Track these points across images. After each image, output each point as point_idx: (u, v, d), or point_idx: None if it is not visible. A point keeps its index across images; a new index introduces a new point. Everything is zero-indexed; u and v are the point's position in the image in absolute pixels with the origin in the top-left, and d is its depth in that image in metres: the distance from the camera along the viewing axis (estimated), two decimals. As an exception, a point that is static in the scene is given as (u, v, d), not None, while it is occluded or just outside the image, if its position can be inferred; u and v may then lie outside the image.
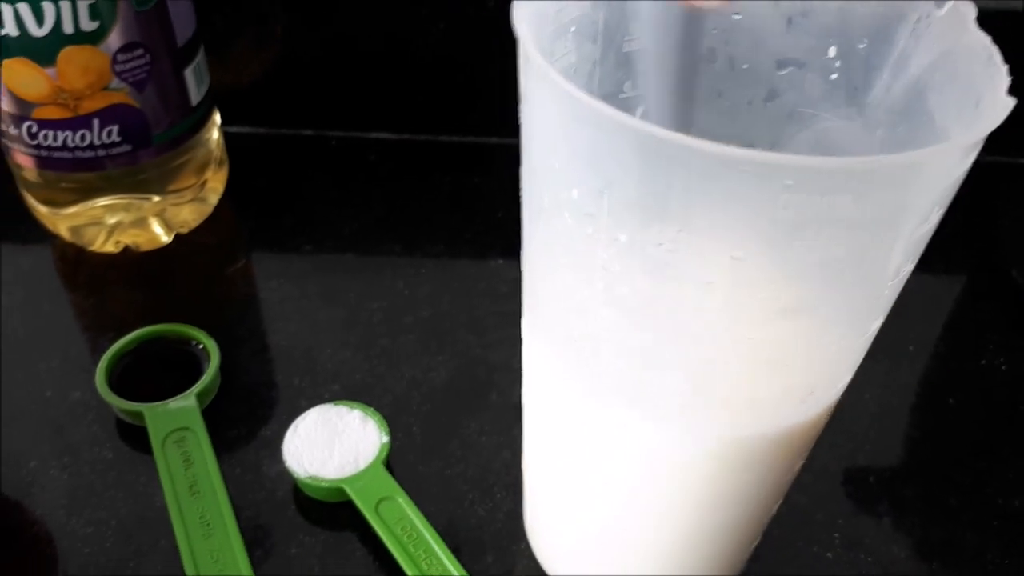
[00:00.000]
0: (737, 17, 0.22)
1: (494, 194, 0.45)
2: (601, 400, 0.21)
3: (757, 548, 0.29)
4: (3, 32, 0.31)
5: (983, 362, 0.38)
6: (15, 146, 0.35)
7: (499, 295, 0.39)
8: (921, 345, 0.38)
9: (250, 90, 0.46)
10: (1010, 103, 0.16)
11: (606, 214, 0.18)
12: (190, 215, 0.39)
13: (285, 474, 0.30)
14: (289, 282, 0.39)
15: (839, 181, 0.15)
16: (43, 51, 0.31)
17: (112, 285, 0.38)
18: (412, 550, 0.27)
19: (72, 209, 0.37)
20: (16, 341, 0.35)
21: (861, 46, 0.21)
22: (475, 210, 0.43)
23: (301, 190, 0.44)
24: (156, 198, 0.38)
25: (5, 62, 0.31)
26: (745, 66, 0.23)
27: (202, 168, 0.39)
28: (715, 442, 0.21)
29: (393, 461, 0.31)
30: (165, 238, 0.39)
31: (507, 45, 0.47)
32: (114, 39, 0.32)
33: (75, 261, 0.39)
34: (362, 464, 0.30)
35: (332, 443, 0.30)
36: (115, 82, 0.33)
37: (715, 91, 0.23)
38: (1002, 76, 0.17)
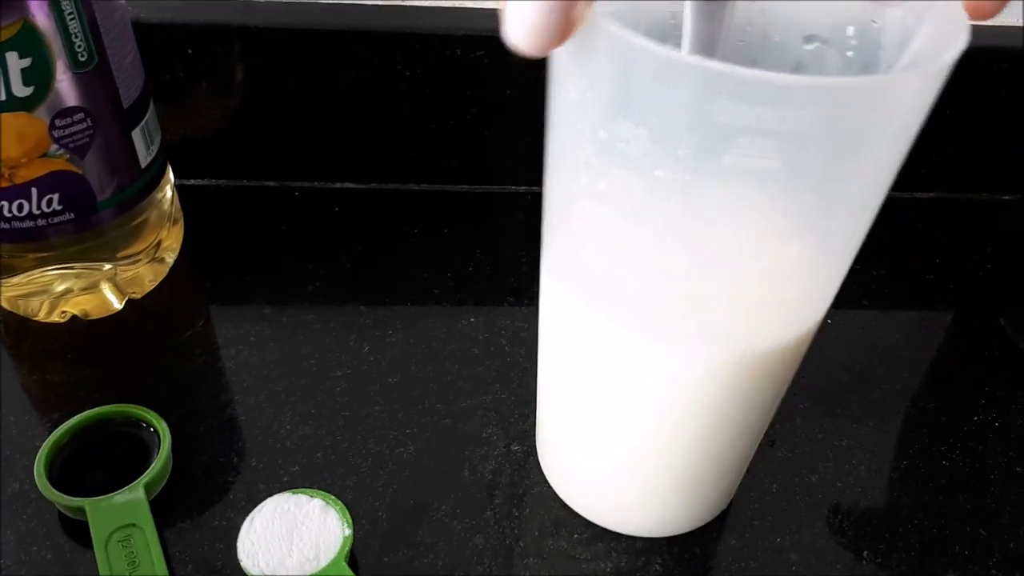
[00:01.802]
0: None
1: (464, 245, 0.43)
2: (611, 323, 0.24)
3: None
4: (-71, 100, 0.28)
5: (976, 418, 0.36)
6: (-50, 215, 0.32)
7: (470, 358, 0.37)
8: (910, 401, 0.37)
9: (207, 141, 0.44)
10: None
11: (590, 111, 0.20)
12: (145, 277, 0.37)
13: (240, 572, 0.28)
14: (248, 349, 0.36)
15: (766, 93, 0.17)
16: (-28, 118, 0.29)
17: (57, 359, 0.35)
18: (377, 658, 0.25)
19: (16, 279, 0.35)
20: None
21: (875, 25, 0.23)
22: (444, 263, 0.42)
23: (262, 245, 0.42)
24: (107, 265, 0.35)
25: (-67, 131, 0.29)
26: (777, 39, 0.25)
27: (156, 229, 0.37)
28: (715, 357, 0.24)
29: (357, 550, 0.29)
30: (117, 304, 0.37)
31: (476, 93, 0.46)
32: (51, 104, 0.30)
33: (18, 331, 0.36)
34: (323, 561, 0.27)
35: (291, 537, 0.28)
36: (54, 148, 0.31)
37: (750, 59, 0.25)
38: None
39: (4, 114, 0.29)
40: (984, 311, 0.42)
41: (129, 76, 0.33)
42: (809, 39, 0.24)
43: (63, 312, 0.36)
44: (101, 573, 0.27)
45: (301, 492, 0.29)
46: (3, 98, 0.29)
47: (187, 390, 0.35)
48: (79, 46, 0.30)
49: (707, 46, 0.21)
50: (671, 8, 0.24)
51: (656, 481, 0.29)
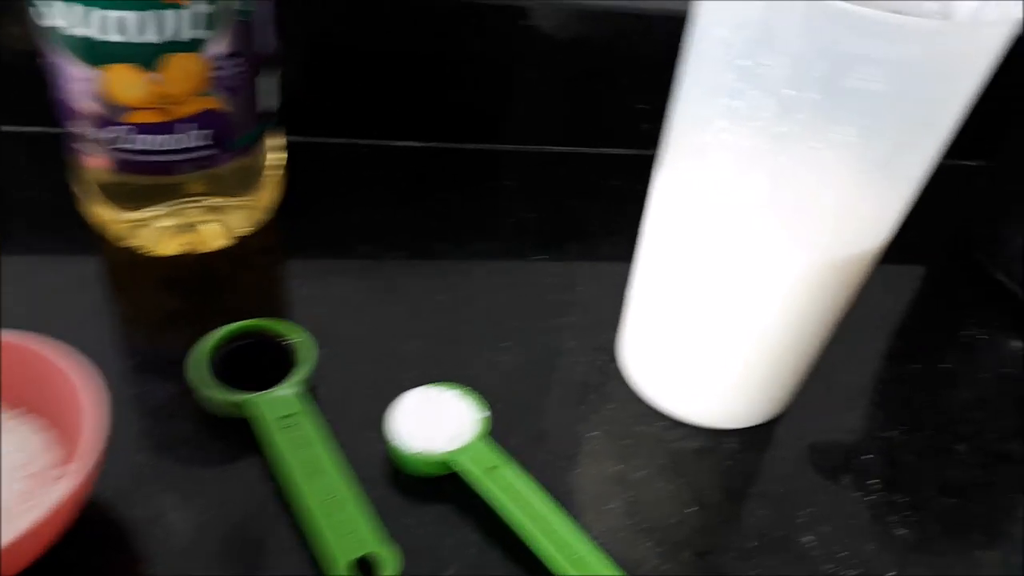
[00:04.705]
0: None
1: (519, 198, 0.48)
2: (725, 224, 0.30)
3: None
4: (111, 38, 0.32)
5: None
6: (94, 149, 0.36)
7: (546, 286, 0.42)
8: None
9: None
10: None
11: (737, 44, 0.26)
12: (248, 219, 0.41)
13: (384, 453, 0.32)
14: (347, 279, 0.41)
15: (874, 28, 0.24)
16: (148, 56, 0.33)
17: (174, 287, 0.39)
18: (526, 512, 0.30)
19: (138, 213, 0.38)
20: (94, 341, 0.36)
21: None
22: (504, 212, 0.47)
23: (343, 195, 0.46)
24: (220, 200, 0.39)
25: (109, 67, 0.33)
26: None
27: (261, 174, 0.41)
28: (805, 260, 0.30)
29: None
30: (223, 240, 0.40)
31: (535, 57, 0.51)
32: (216, 47, 0.34)
33: (131, 264, 0.39)
34: (468, 437, 0.32)
35: (438, 419, 0.32)
36: (210, 88, 0.35)
37: None
38: None
39: (178, 53, 0.33)
40: (960, 253, 0.49)
41: (268, 29, 0.37)
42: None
43: (181, 244, 0.39)
44: (281, 451, 0.31)
45: (438, 385, 0.34)
46: (180, 38, 0.33)
47: (299, 315, 0.38)
48: (242, -2, 0.34)
49: None
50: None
51: (735, 375, 0.34)
